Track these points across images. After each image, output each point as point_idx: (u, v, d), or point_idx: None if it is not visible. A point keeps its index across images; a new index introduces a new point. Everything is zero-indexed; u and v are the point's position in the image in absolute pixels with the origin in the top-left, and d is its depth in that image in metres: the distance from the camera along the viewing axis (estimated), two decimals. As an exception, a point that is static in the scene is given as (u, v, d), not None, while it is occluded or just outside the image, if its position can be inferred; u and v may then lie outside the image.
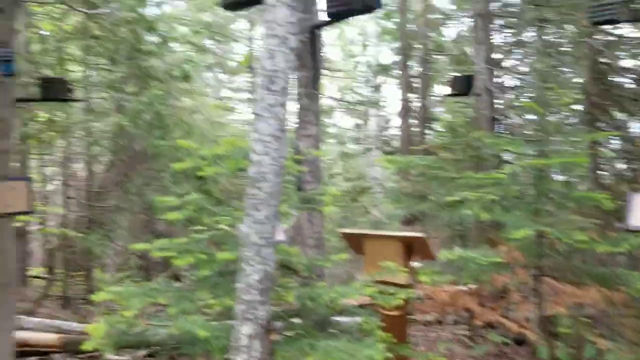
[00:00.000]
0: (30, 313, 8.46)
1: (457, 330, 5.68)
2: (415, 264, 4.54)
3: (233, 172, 3.69)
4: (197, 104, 14.12)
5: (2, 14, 5.11)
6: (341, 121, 14.58)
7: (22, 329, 6.78)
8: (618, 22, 6.24)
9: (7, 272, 5.18)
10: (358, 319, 3.94)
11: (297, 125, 4.99)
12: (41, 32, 9.86)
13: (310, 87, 4.68)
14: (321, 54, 5.15)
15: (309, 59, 4.61)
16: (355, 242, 4.44)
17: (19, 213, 5.24)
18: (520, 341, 5.43)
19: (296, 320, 3.62)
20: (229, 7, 5.11)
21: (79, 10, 7.56)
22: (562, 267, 3.82)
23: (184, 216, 3.61)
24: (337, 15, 4.68)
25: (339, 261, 3.95)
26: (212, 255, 3.47)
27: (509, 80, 9.25)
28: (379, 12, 12.74)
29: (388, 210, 8.73)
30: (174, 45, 10.99)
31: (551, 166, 4.20)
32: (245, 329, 2.90)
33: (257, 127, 2.97)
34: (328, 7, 4.58)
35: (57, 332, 7.01)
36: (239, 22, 14.26)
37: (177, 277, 11.70)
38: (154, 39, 10.43)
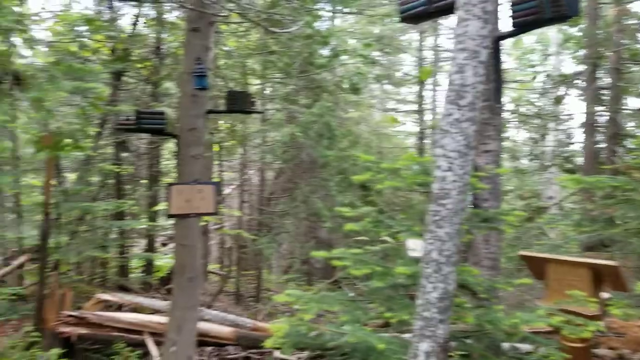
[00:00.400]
0: (209, 306, 9.26)
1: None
2: (604, 294, 4.14)
3: (410, 186, 3.69)
4: (363, 115, 14.45)
5: (198, 33, 5.71)
6: (515, 135, 13.84)
7: (202, 319, 7.45)
8: None
9: (195, 267, 5.75)
10: (537, 347, 3.70)
11: (477, 141, 4.82)
12: (226, 48, 10.82)
13: (492, 100, 4.49)
14: (502, 66, 4.93)
15: (492, 71, 4.43)
16: (537, 266, 4.18)
17: (206, 214, 5.79)
18: None
19: (471, 342, 3.50)
20: (409, 20, 5.12)
21: (265, 28, 8.17)
22: None
23: (361, 227, 3.69)
24: (524, 26, 4.45)
25: (518, 285, 3.75)
26: (388, 268, 3.49)
27: None
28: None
29: (567, 234, 8.05)
30: (344, 57, 11.38)
31: None
32: (423, 346, 2.87)
33: (442, 142, 2.93)
34: (514, 17, 4.38)
35: (232, 326, 7.57)
36: (409, 33, 14.29)
37: (339, 285, 12.03)
38: (325, 52, 10.90)
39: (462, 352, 3.46)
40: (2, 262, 11.47)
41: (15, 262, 10.39)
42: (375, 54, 13.15)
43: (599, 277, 3.93)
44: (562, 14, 4.08)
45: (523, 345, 3.92)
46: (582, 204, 8.69)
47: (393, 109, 16.05)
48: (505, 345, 3.63)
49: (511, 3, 4.40)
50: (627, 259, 6.16)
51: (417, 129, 14.88)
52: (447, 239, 2.88)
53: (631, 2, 9.49)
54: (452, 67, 2.98)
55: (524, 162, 12.63)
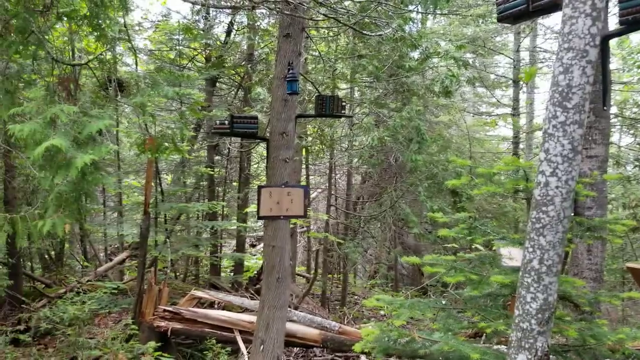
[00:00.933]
0: (295, 307, 9.41)
1: None
2: None
3: (509, 192, 3.55)
4: (454, 118, 14.10)
5: (290, 39, 5.83)
6: (619, 140, 12.90)
7: (290, 320, 7.57)
8: None
9: (284, 268, 5.86)
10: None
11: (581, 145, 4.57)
12: (315, 53, 10.97)
13: (599, 103, 4.24)
14: (609, 67, 4.64)
15: (599, 72, 4.18)
16: (645, 280, 3.88)
17: (294, 216, 5.90)
18: None
19: (572, 357, 3.31)
20: (507, 19, 4.93)
21: (355, 31, 8.20)
22: None
23: (455, 233, 3.60)
24: (633, 24, 4.15)
25: (625, 299, 3.50)
26: (483, 277, 3.39)
27: None
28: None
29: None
30: (435, 60, 11.16)
31: None
32: (521, 358, 2.75)
33: (546, 146, 2.80)
34: (622, 14, 4.09)
35: (318, 328, 7.64)
36: (504, 34, 13.79)
37: (426, 291, 11.82)
38: (416, 55, 10.73)
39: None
40: (105, 258, 12.35)
41: (117, 259, 11.15)
42: (468, 55, 12.81)
43: None
44: (676, 10, 3.75)
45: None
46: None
47: (487, 113, 15.55)
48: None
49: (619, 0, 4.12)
50: None
51: (511, 132, 14.32)
52: (549, 247, 2.75)
53: None
54: (558, 67, 2.84)
55: (629, 169, 11.75)
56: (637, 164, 10.73)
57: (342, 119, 11.12)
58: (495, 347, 3.03)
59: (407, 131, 10.55)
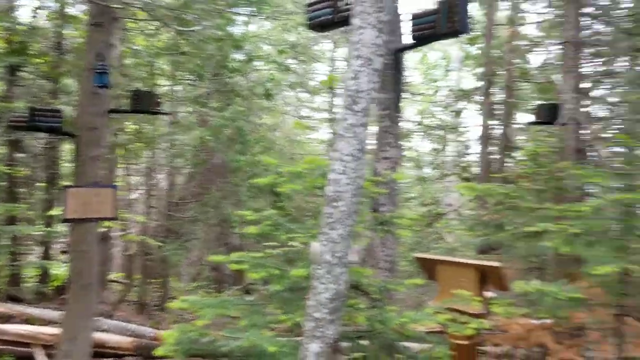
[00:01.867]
0: (109, 316, 8.88)
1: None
2: (488, 293, 4.41)
3: (310, 189, 3.75)
4: (277, 121, 14.47)
5: (100, 28, 5.50)
6: (419, 145, 14.45)
7: (100, 330, 7.14)
8: None
9: (90, 274, 5.51)
10: (426, 346, 3.87)
11: (376, 147, 5.00)
12: (134, 47, 10.48)
13: (392, 109, 4.68)
14: (403, 77, 5.16)
15: (392, 81, 4.63)
16: (429, 268, 4.37)
17: (104, 219, 5.57)
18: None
19: (364, 342, 3.60)
20: (316, 28, 5.23)
21: (173, 27, 8.01)
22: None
23: (260, 231, 3.70)
24: (422, 39, 4.69)
25: (411, 285, 3.91)
26: (285, 271, 3.52)
27: (596, 111, 8.83)
28: (463, 37, 12.62)
29: (463, 238, 8.52)
30: (258, 63, 11.35)
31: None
32: (313, 347, 2.92)
33: (337, 146, 3.02)
34: (413, 30, 4.60)
35: (132, 336, 7.33)
36: (323, 43, 14.53)
37: (248, 291, 11.92)
38: (239, 56, 10.81)
39: (356, 354, 3.55)
40: None
41: None
42: (290, 61, 13.24)
43: (484, 278, 4.16)
44: (455, 30, 4.34)
45: (418, 344, 4.07)
46: (476, 210, 9.23)
47: (307, 117, 16.23)
48: (403, 344, 3.75)
49: (411, 17, 4.64)
50: (513, 261, 6.61)
51: (329, 136, 15.16)
52: (339, 240, 2.95)
53: (521, 25, 10.25)
54: (348, 73, 3.07)
55: (427, 171, 13.22)
56: (433, 166, 12.14)
57: (162, 116, 10.74)
58: (299, 338, 3.17)
59: (229, 131, 10.57)
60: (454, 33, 4.44)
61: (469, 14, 4.32)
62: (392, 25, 4.70)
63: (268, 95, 10.17)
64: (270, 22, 12.68)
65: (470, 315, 3.67)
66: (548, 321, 4.49)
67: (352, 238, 3.02)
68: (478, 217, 7.94)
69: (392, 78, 4.54)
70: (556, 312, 3.94)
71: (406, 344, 3.73)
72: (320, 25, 5.11)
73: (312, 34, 12.93)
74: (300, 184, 3.72)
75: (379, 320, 3.34)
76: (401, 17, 4.90)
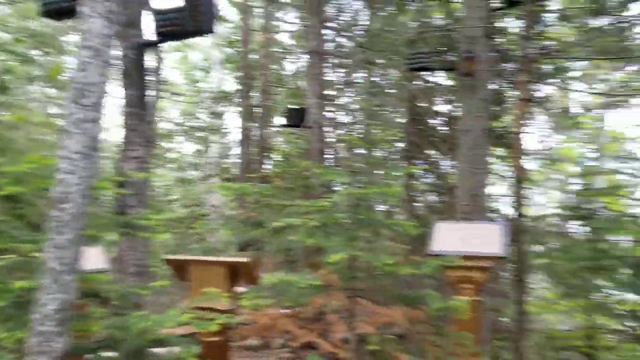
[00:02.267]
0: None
1: (283, 354, 5.73)
2: (241, 289, 4.53)
3: (37, 191, 3.38)
4: (18, 118, 12.77)
5: None
6: (182, 146, 14.23)
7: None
8: (431, 69, 6.99)
9: None
10: (176, 349, 3.79)
11: (123, 146, 4.74)
12: None
13: (137, 106, 4.48)
14: (149, 73, 5.01)
15: (137, 77, 4.43)
16: (181, 269, 4.32)
17: None
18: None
19: (107, 353, 3.37)
20: (51, 15, 4.74)
21: None
22: (374, 289, 4.07)
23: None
24: (167, 35, 4.59)
25: (160, 289, 3.79)
26: (8, 284, 3.11)
27: (341, 116, 9.81)
28: (222, 40, 12.81)
29: (224, 237, 8.65)
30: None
31: (369, 196, 4.48)
32: (40, 363, 2.63)
33: (65, 143, 2.77)
34: (158, 26, 4.48)
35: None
36: (73, 34, 13.31)
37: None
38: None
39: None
40: None
41: None
42: (34, 52, 11.82)
43: (236, 274, 4.27)
44: (200, 29, 4.36)
45: (168, 348, 3.96)
46: (237, 210, 9.47)
47: (55, 114, 14.68)
48: (151, 350, 3.61)
49: (155, 13, 4.51)
50: (269, 256, 6.94)
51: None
52: (67, 245, 2.71)
53: (276, 32, 10.87)
54: (77, 64, 2.84)
55: (189, 172, 13.11)
56: (196, 167, 12.10)
57: None
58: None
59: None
60: (198, 32, 4.45)
61: (214, 14, 4.37)
62: (136, 18, 4.52)
63: (3, 89, 8.90)
64: (7, 8, 11.18)
65: (219, 311, 3.71)
66: (295, 310, 4.80)
67: (83, 242, 2.80)
68: (238, 216, 8.15)
69: (136, 74, 4.35)
70: (299, 299, 4.22)
71: (156, 349, 3.60)
72: (56, 13, 4.65)
73: (59, 24, 11.75)
74: (26, 186, 3.32)
75: (118, 327, 3.16)
76: (146, 13, 4.74)
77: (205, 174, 12.24)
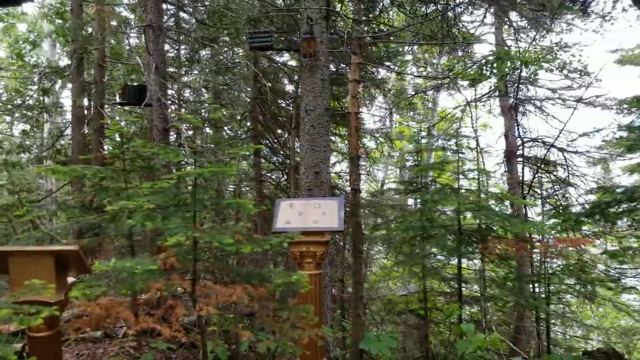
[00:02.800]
0: None
1: (126, 343, 5.54)
2: (71, 279, 4.28)
3: None
4: None
5: None
6: (5, 127, 12.74)
7: None
8: (273, 49, 7.06)
9: None
10: None
11: None
12: None
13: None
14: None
15: None
16: (1, 261, 3.94)
17: None
18: (189, 344, 5.59)
19: None
20: None
21: None
22: (216, 269, 4.08)
23: None
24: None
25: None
26: None
27: (186, 95, 9.52)
28: (51, 10, 11.65)
29: (60, 223, 7.99)
30: None
31: (209, 175, 4.46)
32: None
33: None
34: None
35: None
36: None
37: None
38: None
39: None
40: None
41: None
42: None
43: (65, 263, 4.00)
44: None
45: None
46: (74, 194, 8.80)
47: None
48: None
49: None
50: (112, 241, 6.62)
51: None
52: None
53: (113, 4, 10.14)
54: None
55: (17, 155, 11.85)
56: (25, 149, 10.97)
57: None
58: None
59: None
60: (7, 2, 4.02)
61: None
62: None
63: None
64: None
65: (44, 304, 3.47)
66: (133, 297, 4.64)
67: None
68: (76, 201, 7.58)
69: None
70: (135, 285, 4.09)
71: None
72: None
73: None
74: None
75: None
76: None
77: (36, 156, 11.14)
